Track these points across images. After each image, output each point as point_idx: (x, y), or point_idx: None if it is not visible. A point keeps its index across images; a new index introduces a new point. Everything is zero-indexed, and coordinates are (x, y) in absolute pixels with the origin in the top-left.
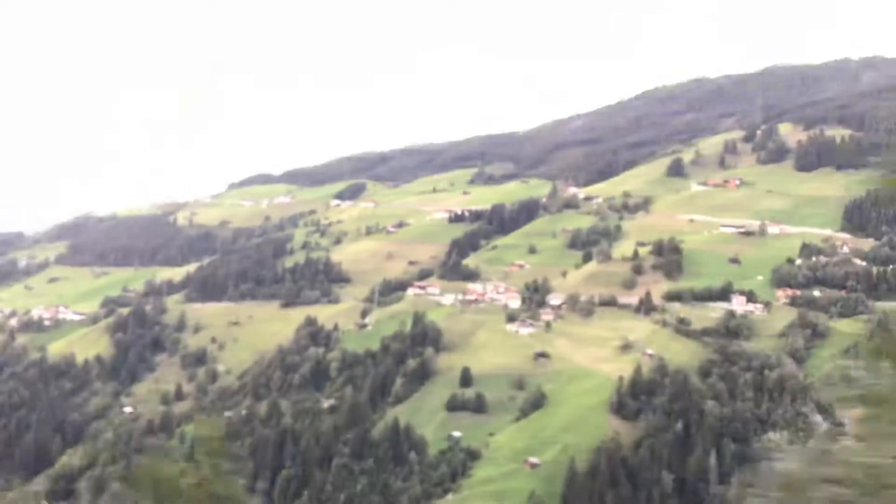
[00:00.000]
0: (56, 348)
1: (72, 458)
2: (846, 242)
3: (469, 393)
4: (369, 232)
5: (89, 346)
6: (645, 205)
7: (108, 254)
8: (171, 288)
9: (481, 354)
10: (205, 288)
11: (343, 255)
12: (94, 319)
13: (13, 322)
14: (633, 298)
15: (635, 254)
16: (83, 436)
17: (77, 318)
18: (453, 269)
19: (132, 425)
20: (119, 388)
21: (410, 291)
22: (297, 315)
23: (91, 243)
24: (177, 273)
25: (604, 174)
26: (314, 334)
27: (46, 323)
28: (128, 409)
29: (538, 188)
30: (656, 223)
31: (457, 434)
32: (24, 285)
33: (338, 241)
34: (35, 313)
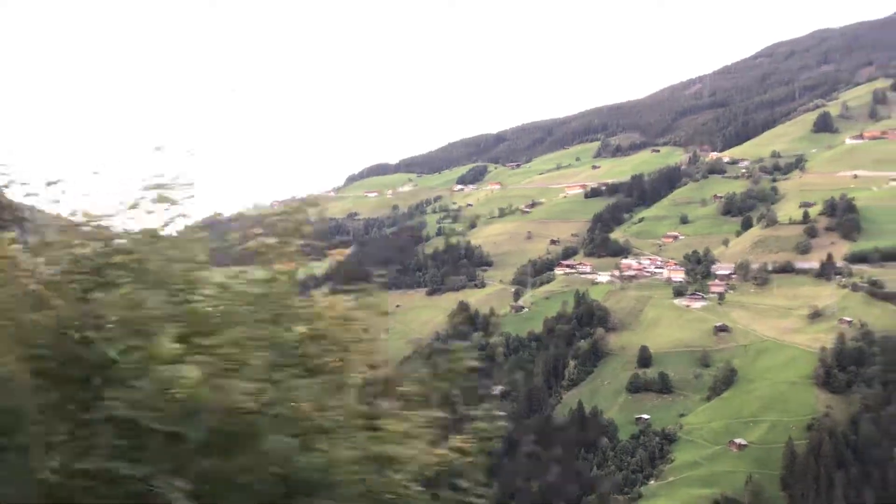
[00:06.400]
0: None
1: None
2: None
3: (650, 373)
4: (502, 214)
5: None
6: (798, 164)
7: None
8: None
9: (655, 332)
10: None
11: (481, 239)
12: None
13: None
14: (811, 263)
15: (805, 215)
16: None
17: None
18: (601, 245)
19: None
20: None
21: (559, 270)
22: (445, 302)
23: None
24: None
25: (741, 136)
26: (471, 319)
27: None
28: None
29: (670, 156)
30: (816, 182)
31: (645, 416)
32: None
33: (473, 226)
34: None
